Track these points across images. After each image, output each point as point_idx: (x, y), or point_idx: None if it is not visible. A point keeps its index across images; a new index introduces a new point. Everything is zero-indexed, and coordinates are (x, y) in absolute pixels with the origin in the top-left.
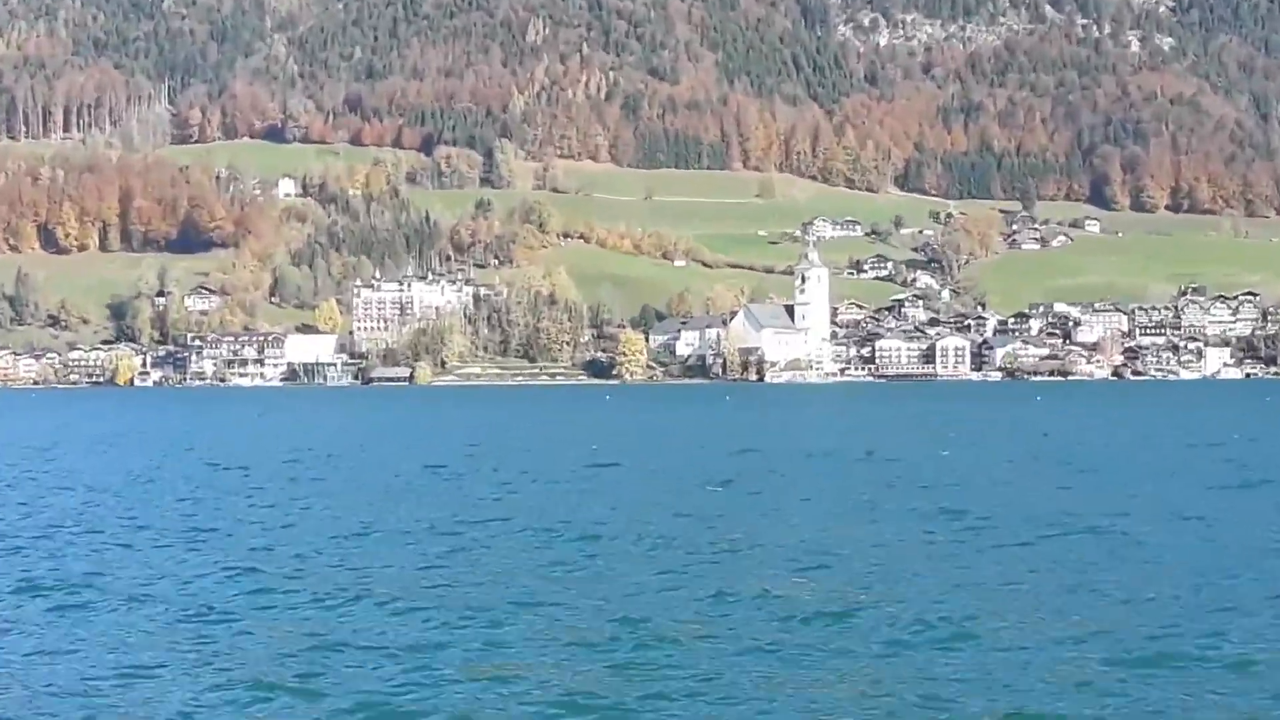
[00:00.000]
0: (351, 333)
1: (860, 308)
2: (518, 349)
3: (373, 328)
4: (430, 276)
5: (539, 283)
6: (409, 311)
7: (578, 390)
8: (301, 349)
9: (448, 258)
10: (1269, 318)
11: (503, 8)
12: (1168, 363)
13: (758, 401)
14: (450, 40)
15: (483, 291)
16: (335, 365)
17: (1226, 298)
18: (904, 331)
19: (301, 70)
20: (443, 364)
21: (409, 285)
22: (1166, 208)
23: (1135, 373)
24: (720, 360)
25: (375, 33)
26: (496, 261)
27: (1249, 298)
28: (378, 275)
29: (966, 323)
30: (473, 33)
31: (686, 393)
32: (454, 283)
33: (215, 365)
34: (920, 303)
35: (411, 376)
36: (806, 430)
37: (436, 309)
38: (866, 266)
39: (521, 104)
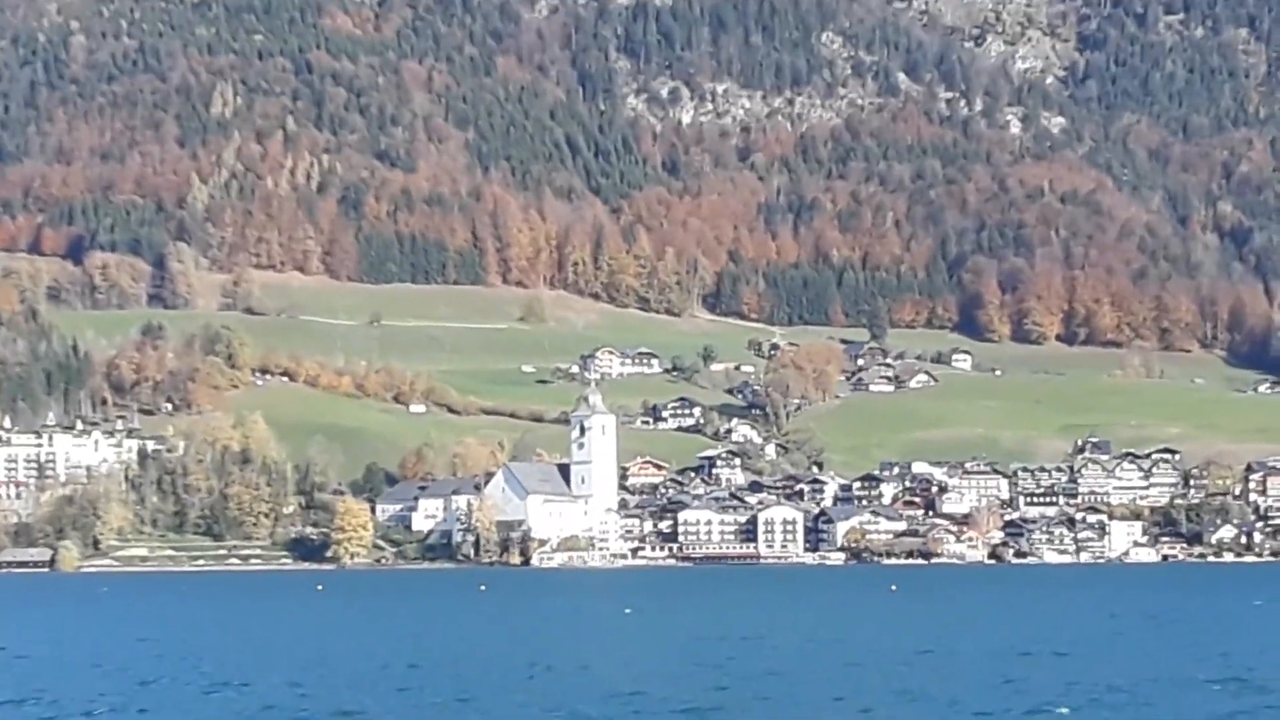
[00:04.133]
0: None
1: (658, 468)
2: (199, 523)
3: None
4: (80, 426)
5: (227, 435)
6: (50, 473)
7: (278, 579)
8: None
9: (104, 401)
10: (1191, 482)
11: (178, 69)
12: (1061, 540)
13: (516, 597)
14: (108, 112)
15: (151, 447)
16: None
17: (1137, 456)
18: (716, 499)
19: None
20: (96, 544)
21: (50, 438)
22: (1058, 338)
23: (1019, 554)
24: (472, 538)
25: (6, 101)
26: (170, 407)
27: (1165, 456)
28: (8, 424)
29: (798, 488)
30: (139, 102)
31: (425, 582)
32: (112, 435)
33: None
34: (737, 461)
35: (53, 561)
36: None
37: (88, 470)
38: (666, 414)
39: (204, 197)
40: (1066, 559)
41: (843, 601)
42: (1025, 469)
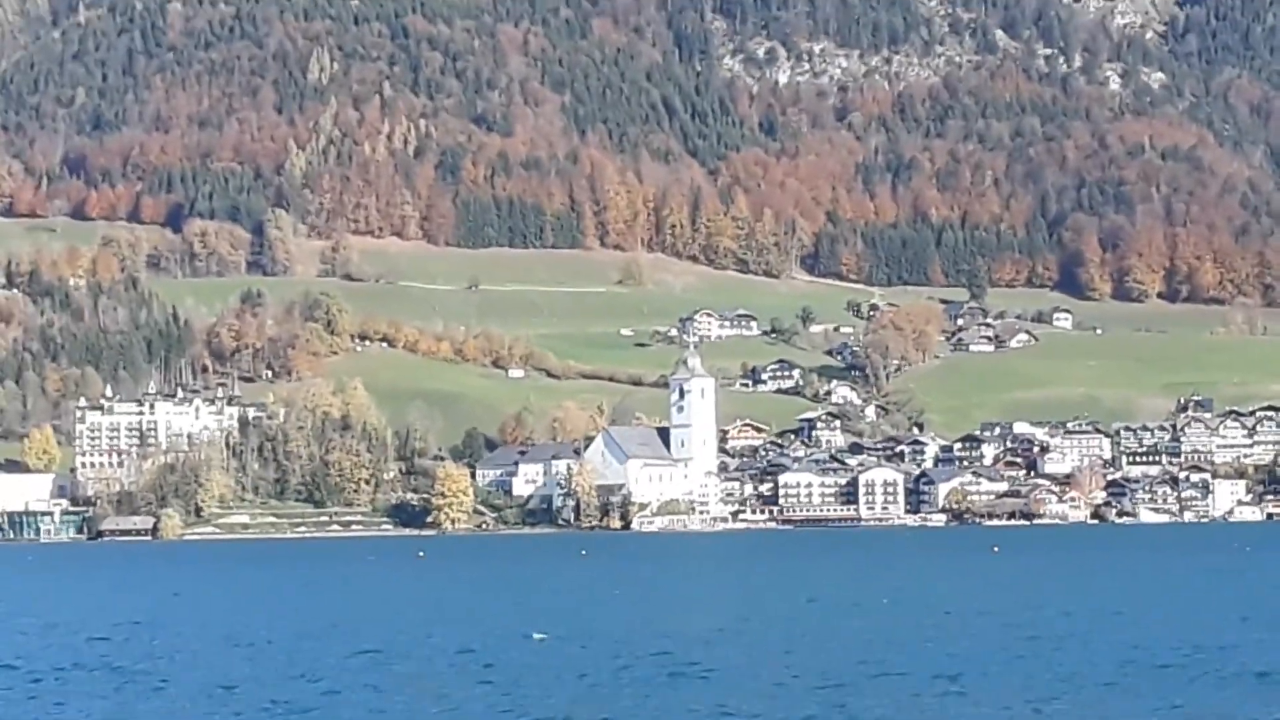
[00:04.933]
0: (74, 470)
1: (758, 430)
2: (299, 490)
3: (102, 464)
4: (181, 394)
5: (327, 401)
6: (152, 441)
7: (380, 545)
8: (6, 493)
9: (204, 368)
10: None
11: (275, 36)
12: (1164, 500)
13: (621, 561)
14: (205, 79)
15: (252, 414)
16: (52, 515)
17: (1240, 414)
18: (816, 462)
19: (4, 120)
20: (198, 511)
21: (151, 406)
22: (1159, 296)
23: (1121, 513)
24: (572, 502)
25: (104, 70)
26: (270, 373)
27: (1269, 414)
28: (109, 393)
29: (899, 449)
30: (235, 69)
31: (526, 547)
32: (212, 402)
33: None
34: (837, 423)
35: (155, 529)
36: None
37: (189, 437)
38: (765, 376)
39: (302, 163)
40: (1162, 518)
41: (932, 564)
42: (1127, 428)
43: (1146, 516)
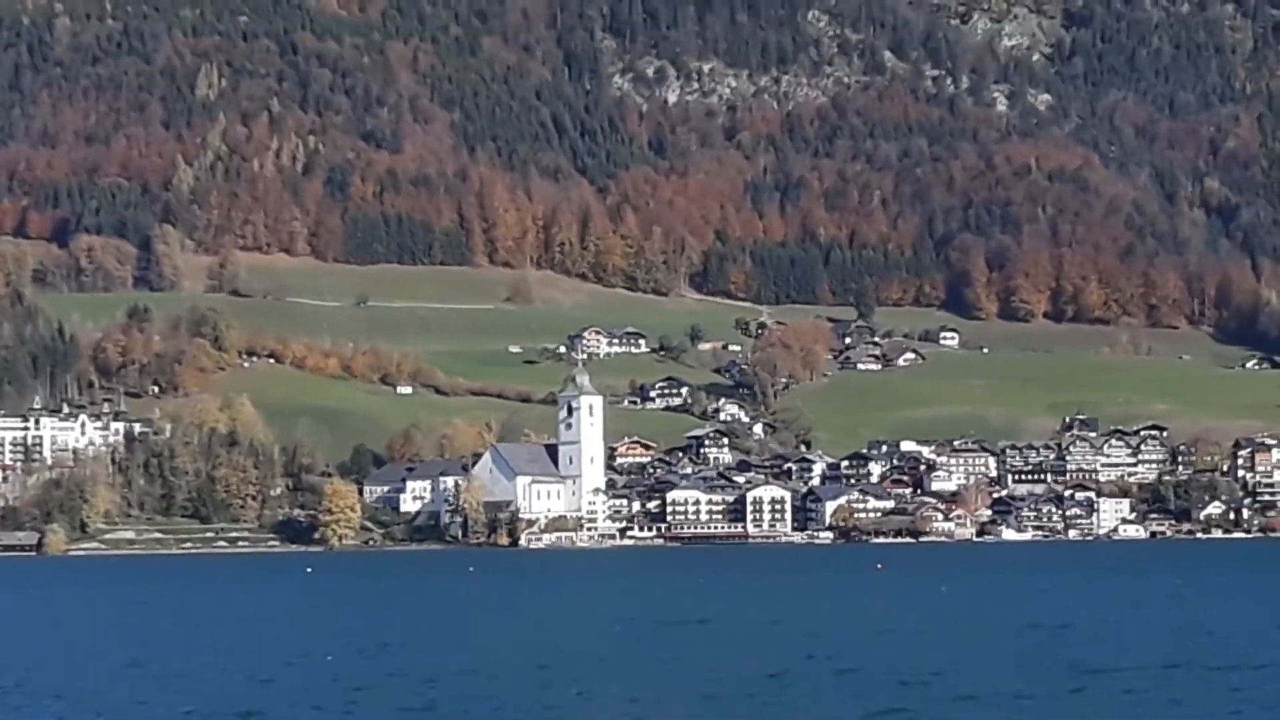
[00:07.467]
0: None
1: (646, 448)
2: (185, 506)
3: None
4: (66, 409)
5: (214, 417)
6: (36, 457)
7: (266, 561)
8: None
9: (90, 384)
10: (1179, 459)
11: (163, 52)
12: (1049, 518)
13: (507, 580)
14: (93, 94)
15: (138, 429)
16: None
17: (1125, 433)
18: (704, 479)
19: None
20: (83, 527)
21: (37, 421)
22: (1045, 316)
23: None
24: (460, 519)
25: None
26: (156, 389)
27: (1153, 433)
28: None
29: (786, 467)
30: (124, 84)
31: (414, 563)
32: (98, 418)
33: None
34: (725, 441)
35: (40, 545)
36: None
37: (75, 453)
38: (654, 393)
39: (190, 179)
40: (1025, 537)
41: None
42: (1013, 447)
43: (1010, 535)
